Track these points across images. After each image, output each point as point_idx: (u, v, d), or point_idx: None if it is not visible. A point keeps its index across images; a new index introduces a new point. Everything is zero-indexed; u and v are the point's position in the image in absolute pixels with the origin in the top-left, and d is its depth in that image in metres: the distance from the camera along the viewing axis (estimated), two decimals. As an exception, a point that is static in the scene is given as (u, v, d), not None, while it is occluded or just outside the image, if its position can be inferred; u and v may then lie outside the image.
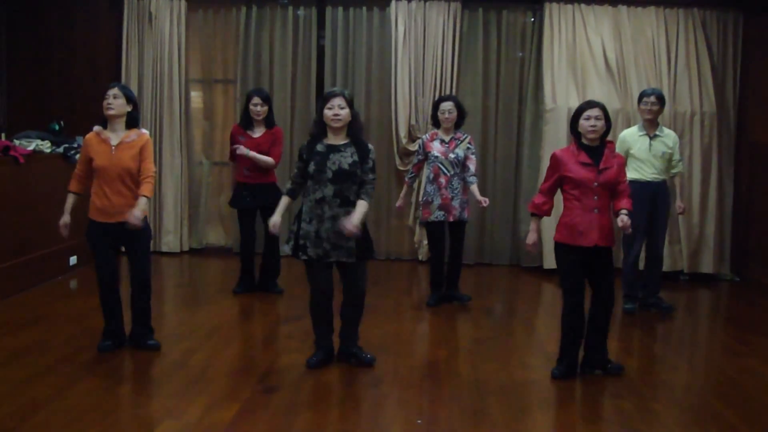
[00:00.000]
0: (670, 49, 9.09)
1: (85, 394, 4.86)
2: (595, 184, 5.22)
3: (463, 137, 7.26)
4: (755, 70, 9.10)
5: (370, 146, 5.43)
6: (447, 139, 7.23)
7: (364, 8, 9.52)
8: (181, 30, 9.43)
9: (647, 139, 7.17)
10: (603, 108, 5.31)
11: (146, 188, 5.50)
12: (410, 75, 9.24)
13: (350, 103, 5.33)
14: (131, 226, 5.40)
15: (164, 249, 9.55)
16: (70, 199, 5.66)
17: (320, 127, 5.35)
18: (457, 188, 7.19)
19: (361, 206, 5.31)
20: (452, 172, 7.17)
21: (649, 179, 7.14)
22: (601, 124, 5.26)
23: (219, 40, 9.84)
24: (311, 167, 5.28)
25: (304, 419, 4.59)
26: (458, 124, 7.30)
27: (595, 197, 5.23)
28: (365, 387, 5.17)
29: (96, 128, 5.59)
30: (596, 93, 8.93)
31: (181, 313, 7.13)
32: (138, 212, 5.40)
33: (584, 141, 5.32)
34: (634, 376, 5.63)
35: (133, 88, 9.38)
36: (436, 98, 7.77)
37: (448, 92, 9.18)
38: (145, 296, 5.75)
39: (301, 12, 9.58)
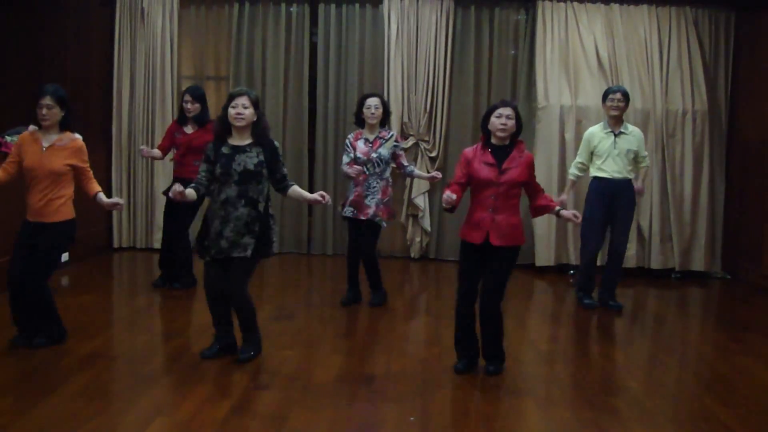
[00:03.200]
0: (662, 48, 9.11)
1: (78, 390, 4.85)
2: (495, 184, 5.18)
3: (389, 135, 7.09)
4: (747, 68, 9.12)
5: (276, 143, 5.51)
6: (371, 138, 7.06)
7: (357, 5, 9.51)
8: (174, 26, 9.42)
9: (612, 136, 7.18)
10: (515, 108, 5.29)
11: (95, 185, 5.63)
12: (403, 72, 9.24)
13: (255, 104, 5.39)
14: (117, 207, 5.73)
15: (156, 246, 9.52)
16: None
17: (224, 125, 5.40)
18: (374, 187, 7.00)
19: (297, 187, 5.53)
20: (371, 172, 7.01)
21: (608, 176, 7.14)
22: (511, 123, 5.22)
23: (211, 36, 9.82)
24: (218, 169, 5.34)
25: (296, 416, 4.59)
26: (383, 122, 7.15)
27: (493, 197, 5.20)
28: (358, 384, 5.17)
29: (32, 128, 5.62)
30: (588, 91, 8.96)
31: (173, 310, 7.11)
32: (113, 199, 5.70)
33: (493, 140, 5.28)
34: (627, 375, 5.64)
35: (125, 84, 9.40)
36: (360, 95, 7.43)
37: (440, 90, 9.20)
38: (36, 303, 5.63)
39: (293, 9, 9.57)
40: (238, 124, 5.33)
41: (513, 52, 9.59)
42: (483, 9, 9.48)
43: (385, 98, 7.33)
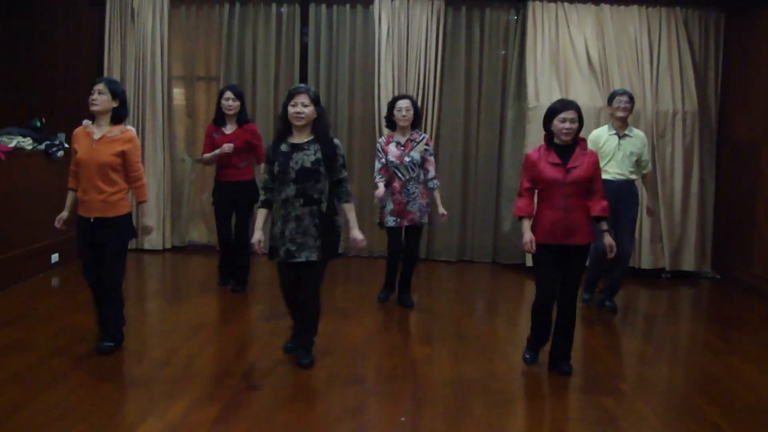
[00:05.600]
0: (652, 48, 9.14)
1: (66, 392, 4.83)
2: (563, 183, 5.19)
3: (420, 138, 7.01)
4: (736, 69, 9.15)
5: (337, 142, 5.37)
6: (403, 141, 6.98)
7: (348, 5, 9.51)
8: (164, 26, 9.39)
9: (617, 138, 7.18)
10: (578, 109, 5.28)
11: (141, 194, 5.58)
12: (393, 73, 9.25)
13: (315, 101, 5.25)
14: (148, 232, 5.73)
15: (146, 246, 9.52)
16: (70, 196, 5.60)
17: (285, 124, 5.30)
18: (414, 193, 6.94)
19: (351, 210, 5.40)
20: (407, 176, 6.93)
21: (611, 178, 7.11)
22: (575, 126, 5.24)
23: (202, 36, 9.81)
24: (275, 168, 5.25)
25: (288, 417, 4.59)
26: (414, 124, 7.06)
27: (563, 197, 5.20)
28: (349, 385, 5.17)
29: (85, 122, 5.56)
30: (579, 91, 8.96)
31: (164, 311, 7.09)
32: (149, 221, 5.65)
33: (556, 140, 5.30)
34: (617, 374, 5.65)
35: (115, 85, 9.37)
36: (391, 98, 7.37)
37: (430, 90, 9.21)
38: (111, 302, 5.65)
39: (284, 9, 9.56)
40: (297, 123, 5.20)
41: (503, 52, 9.60)
42: (473, 9, 9.49)
43: (416, 100, 7.21)
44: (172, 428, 4.37)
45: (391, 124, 7.06)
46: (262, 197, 5.38)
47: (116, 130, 5.48)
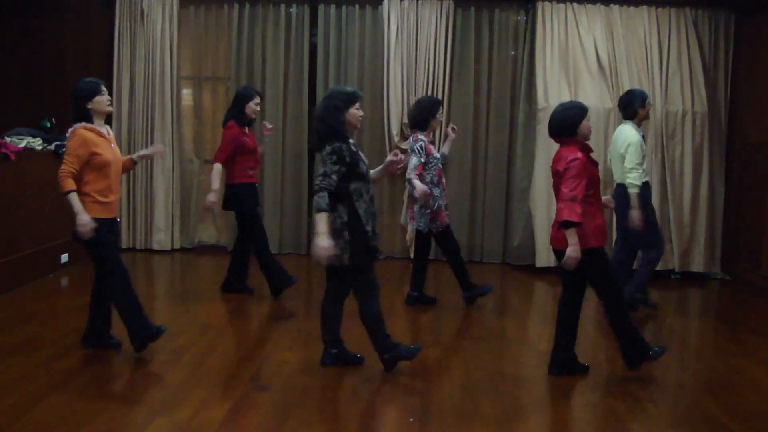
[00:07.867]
0: (662, 49, 9.11)
1: (76, 392, 4.85)
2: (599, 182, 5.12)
3: None
4: (746, 69, 9.12)
5: None
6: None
7: (357, 6, 9.51)
8: (173, 27, 9.42)
9: (643, 140, 7.09)
10: None
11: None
12: (403, 73, 9.24)
13: None
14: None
15: (155, 247, 9.54)
16: (77, 198, 5.27)
17: (344, 126, 5.16)
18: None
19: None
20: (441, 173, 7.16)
21: (648, 180, 7.11)
22: None
23: (211, 37, 9.83)
24: (362, 168, 5.15)
25: (296, 418, 4.59)
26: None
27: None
28: (357, 385, 5.17)
29: (85, 124, 5.38)
30: (588, 92, 8.94)
31: (173, 311, 7.10)
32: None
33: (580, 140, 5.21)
34: (626, 375, 5.64)
35: (125, 86, 9.44)
36: (431, 101, 7.21)
37: (440, 91, 9.21)
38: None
39: (293, 10, 9.57)
40: (359, 126, 5.31)
41: (513, 53, 9.59)
42: (483, 10, 9.48)
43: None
44: (180, 428, 4.37)
45: (424, 124, 7.00)
46: (325, 201, 4.96)
47: (109, 129, 5.59)
